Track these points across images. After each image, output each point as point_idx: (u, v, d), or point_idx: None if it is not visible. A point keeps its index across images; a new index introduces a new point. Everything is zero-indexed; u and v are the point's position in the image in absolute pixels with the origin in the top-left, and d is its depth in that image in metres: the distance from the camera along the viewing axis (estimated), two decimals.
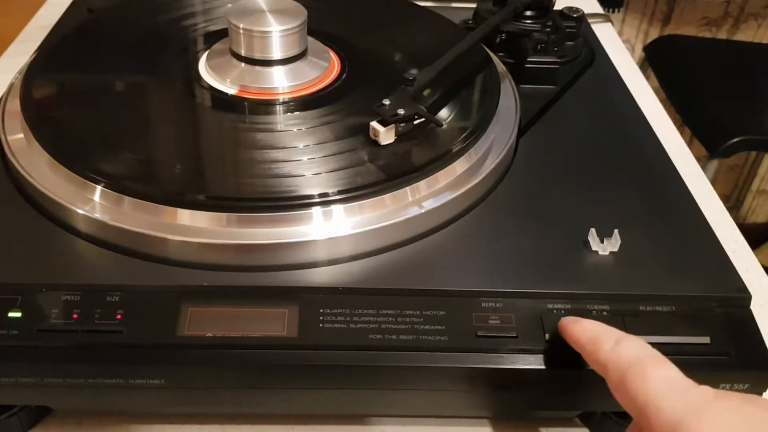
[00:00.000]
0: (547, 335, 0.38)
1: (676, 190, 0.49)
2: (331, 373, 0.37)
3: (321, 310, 0.38)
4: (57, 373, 0.37)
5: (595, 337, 0.35)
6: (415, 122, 0.48)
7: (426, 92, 0.51)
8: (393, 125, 0.46)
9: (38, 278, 0.39)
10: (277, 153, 0.46)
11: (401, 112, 0.46)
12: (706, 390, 0.31)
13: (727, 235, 0.55)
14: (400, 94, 0.48)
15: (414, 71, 0.49)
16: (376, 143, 0.46)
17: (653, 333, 0.38)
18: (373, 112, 0.46)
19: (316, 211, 0.42)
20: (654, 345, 0.34)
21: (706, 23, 1.55)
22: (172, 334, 0.37)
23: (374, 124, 0.46)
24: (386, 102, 0.47)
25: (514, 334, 0.38)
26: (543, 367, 0.38)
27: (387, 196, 0.43)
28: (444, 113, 0.51)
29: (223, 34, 0.55)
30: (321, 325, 0.38)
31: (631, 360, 0.32)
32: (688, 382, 0.31)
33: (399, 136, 0.47)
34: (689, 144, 0.66)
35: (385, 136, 0.46)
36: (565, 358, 0.37)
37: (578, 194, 0.47)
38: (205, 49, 0.56)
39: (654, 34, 1.56)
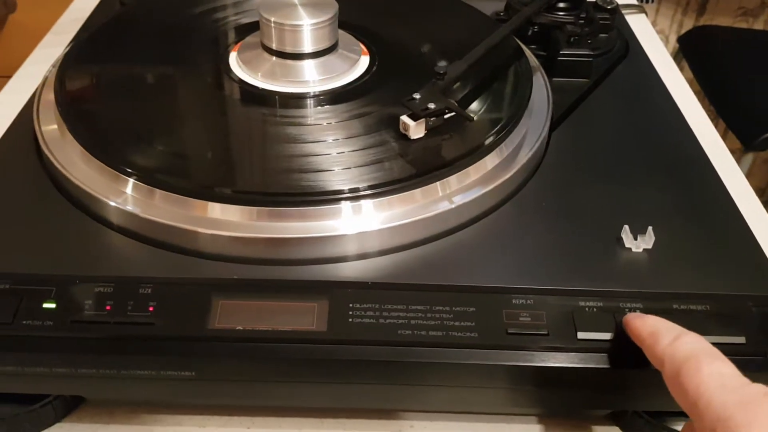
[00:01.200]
0: (578, 333, 0.38)
1: (712, 187, 0.48)
2: (360, 368, 0.37)
3: (350, 305, 0.38)
4: (90, 364, 0.37)
5: (655, 331, 0.35)
6: (446, 116, 0.47)
7: (456, 85, 0.50)
8: (423, 119, 0.46)
9: (72, 270, 0.39)
10: (307, 147, 0.46)
11: (431, 106, 0.46)
12: (758, 387, 0.30)
13: (763, 232, 0.54)
14: (431, 88, 0.47)
15: (444, 64, 0.48)
16: (405, 137, 0.46)
17: None
18: (403, 105, 0.46)
19: (346, 205, 0.42)
20: None
21: (742, 13, 1.52)
22: (203, 327, 0.37)
23: (404, 118, 0.46)
24: (416, 96, 0.46)
25: (546, 332, 0.37)
26: (574, 365, 0.37)
27: (417, 191, 0.43)
28: (475, 107, 0.51)
29: (254, 27, 0.55)
30: (350, 319, 0.38)
31: (687, 354, 0.32)
32: (742, 379, 0.31)
33: (429, 131, 0.47)
34: (723, 137, 0.65)
35: (416, 130, 0.46)
36: (597, 357, 0.37)
37: (611, 190, 0.47)
38: (236, 42, 0.56)
39: (688, 24, 1.53)
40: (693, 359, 0.32)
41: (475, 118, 0.48)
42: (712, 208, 0.46)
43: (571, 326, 0.38)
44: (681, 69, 0.75)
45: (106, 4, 0.69)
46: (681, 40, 1.43)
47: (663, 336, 0.34)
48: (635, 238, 0.42)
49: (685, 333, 0.34)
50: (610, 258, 0.42)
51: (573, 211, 0.45)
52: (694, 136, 0.53)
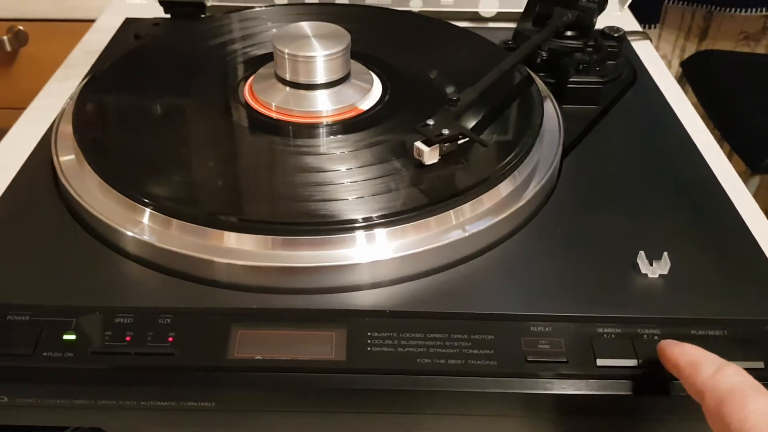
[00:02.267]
0: (598, 360, 0.38)
1: (725, 212, 0.48)
2: (380, 397, 0.37)
3: (369, 334, 0.38)
4: (110, 395, 0.37)
5: (694, 361, 0.34)
6: (460, 142, 0.48)
7: (469, 113, 0.51)
8: (437, 145, 0.46)
9: (91, 301, 0.40)
10: (320, 176, 0.46)
11: (445, 131, 0.46)
12: None
13: None
14: (444, 114, 0.48)
15: (454, 91, 0.49)
16: (419, 166, 0.47)
17: None
18: (416, 131, 0.47)
19: (360, 234, 0.42)
20: None
21: (743, 38, 1.53)
22: (223, 357, 0.37)
23: (418, 144, 0.47)
24: (430, 122, 0.47)
25: (565, 359, 0.37)
26: (595, 392, 0.37)
27: (431, 220, 0.43)
28: (487, 134, 0.51)
29: (267, 58, 0.56)
30: (369, 348, 0.38)
31: (730, 388, 0.31)
32: None
33: (442, 159, 0.47)
34: (728, 159, 0.65)
35: (430, 156, 0.47)
36: (617, 384, 0.37)
37: (625, 216, 0.47)
38: (250, 74, 0.56)
39: (691, 49, 1.54)
40: (736, 393, 0.31)
41: (488, 144, 0.49)
42: (725, 232, 0.46)
43: (590, 353, 0.38)
44: (685, 93, 0.75)
45: (121, 37, 0.70)
46: (684, 64, 1.44)
47: (704, 366, 0.33)
48: (651, 264, 0.42)
49: (727, 364, 0.33)
50: (627, 284, 0.42)
51: (587, 238, 0.45)
52: (704, 160, 0.53)
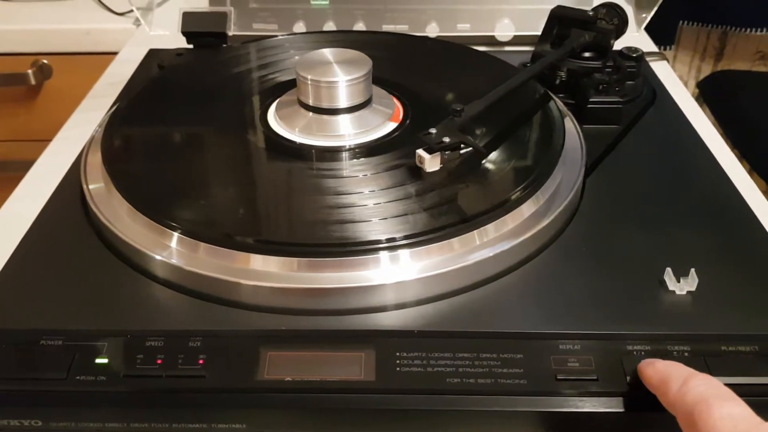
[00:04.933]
0: (628, 377, 0.37)
1: (751, 228, 0.48)
2: (410, 417, 0.37)
3: (397, 354, 0.39)
4: (143, 418, 0.37)
5: (664, 377, 0.35)
6: (462, 151, 0.48)
7: (490, 135, 0.51)
8: (438, 153, 0.47)
9: (122, 324, 0.40)
10: (344, 198, 0.47)
11: (446, 140, 0.47)
12: None
13: None
14: (448, 124, 0.49)
15: (456, 103, 0.50)
16: (441, 187, 0.47)
17: (736, 374, 0.38)
18: (419, 139, 0.48)
19: (384, 255, 0.42)
20: (737, 386, 0.33)
21: (760, 57, 1.53)
22: (253, 378, 0.38)
23: (420, 151, 0.47)
24: (432, 131, 0.48)
25: (595, 377, 0.37)
26: (625, 410, 0.37)
27: (454, 240, 0.44)
28: (509, 155, 0.51)
29: (289, 85, 0.57)
30: (398, 368, 0.38)
31: (697, 398, 0.32)
32: (755, 419, 0.31)
33: (465, 179, 0.47)
34: None
35: (431, 163, 0.47)
36: (648, 401, 0.37)
37: (650, 234, 0.47)
38: (273, 100, 0.57)
39: (706, 70, 1.54)
40: (703, 403, 0.31)
41: (486, 152, 0.49)
42: (752, 248, 0.46)
43: (620, 370, 0.38)
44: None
45: (145, 68, 0.72)
46: (701, 85, 1.44)
47: (673, 381, 0.34)
48: (678, 281, 0.42)
49: (694, 376, 0.34)
50: (655, 301, 0.42)
51: (613, 255, 0.45)
52: (728, 177, 0.53)
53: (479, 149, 0.48)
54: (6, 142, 1.04)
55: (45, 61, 0.96)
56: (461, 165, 0.50)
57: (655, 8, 0.83)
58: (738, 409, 0.31)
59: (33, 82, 0.96)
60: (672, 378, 0.34)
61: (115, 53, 0.84)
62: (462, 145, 0.48)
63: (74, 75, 0.96)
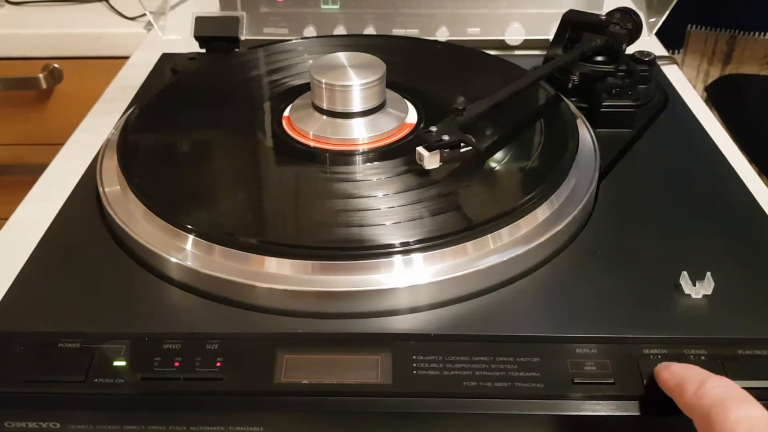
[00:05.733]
0: (645, 381, 0.37)
1: (766, 232, 0.48)
2: (427, 420, 0.37)
3: (414, 357, 0.39)
4: (161, 421, 0.37)
5: (680, 380, 0.35)
6: (462, 150, 0.49)
7: (504, 142, 0.51)
8: (438, 151, 0.47)
9: (139, 327, 0.40)
10: (358, 202, 0.47)
11: (446, 138, 0.48)
12: None
13: None
14: (448, 123, 0.49)
15: (462, 100, 0.51)
16: (455, 191, 0.47)
17: (754, 377, 0.38)
18: (419, 136, 0.48)
19: (398, 259, 0.42)
20: (754, 389, 0.33)
21: (767, 62, 1.52)
22: (270, 381, 0.38)
23: (419, 148, 0.48)
24: (433, 129, 0.48)
25: (612, 381, 0.37)
26: (642, 414, 0.37)
27: (468, 244, 0.44)
28: (523, 159, 0.51)
29: (302, 89, 0.57)
30: (415, 372, 0.38)
31: (714, 401, 0.32)
32: None
33: (479, 182, 0.47)
34: None
35: (430, 160, 0.48)
36: (665, 405, 0.37)
37: (664, 237, 0.47)
38: (287, 104, 0.58)
39: (715, 74, 1.54)
40: (720, 405, 0.31)
41: (482, 149, 0.49)
42: (767, 251, 0.46)
43: (637, 374, 0.38)
44: None
45: (158, 72, 0.72)
46: (709, 89, 1.44)
47: (689, 384, 0.34)
48: (694, 284, 0.42)
49: (710, 378, 0.33)
50: (670, 305, 0.42)
51: (628, 259, 0.45)
52: (742, 181, 0.53)
53: (477, 147, 0.49)
54: (17, 145, 1.05)
55: (56, 66, 0.97)
56: (475, 169, 0.50)
57: (667, 13, 0.83)
58: (756, 412, 0.31)
59: (44, 86, 0.96)
60: (688, 380, 0.34)
61: (126, 57, 0.85)
62: (462, 144, 0.49)
63: (85, 79, 0.96)
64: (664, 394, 0.37)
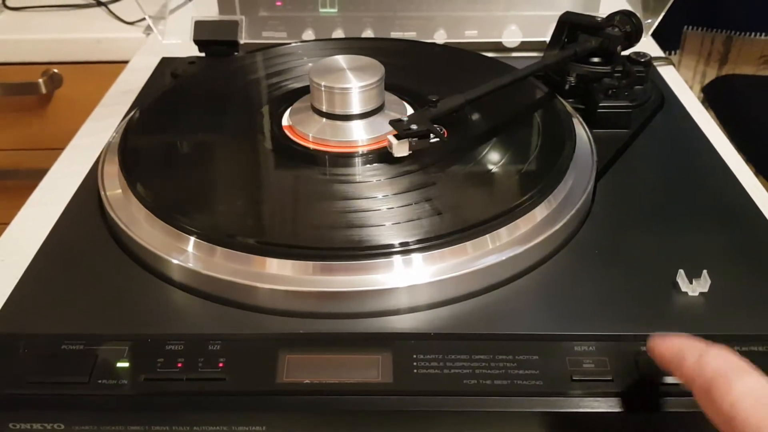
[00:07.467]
0: (643, 378, 0.38)
1: (762, 229, 0.48)
2: (428, 419, 0.38)
3: (414, 356, 0.39)
4: (164, 421, 0.38)
5: (678, 351, 0.34)
6: (431, 140, 0.50)
7: (502, 142, 0.52)
8: (406, 140, 0.49)
9: (142, 328, 0.40)
10: (357, 203, 0.47)
11: (414, 127, 0.49)
12: None
13: None
14: (420, 113, 0.51)
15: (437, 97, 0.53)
16: (453, 192, 0.48)
17: None
18: (390, 124, 0.50)
19: (397, 259, 0.43)
20: None
21: (764, 62, 1.53)
22: (272, 381, 0.38)
23: (389, 136, 0.50)
24: (404, 119, 0.50)
25: (610, 378, 0.38)
26: (641, 410, 0.37)
27: (467, 244, 0.44)
28: (521, 159, 0.52)
29: (302, 92, 0.58)
30: (415, 370, 0.38)
31: (716, 371, 0.31)
32: None
33: (477, 182, 0.48)
34: None
35: (398, 148, 0.49)
36: (664, 401, 0.37)
37: (661, 236, 0.47)
38: (287, 107, 0.58)
39: (711, 74, 1.55)
40: (722, 376, 0.31)
41: (445, 138, 0.51)
42: (763, 249, 0.46)
43: (636, 371, 0.38)
44: None
45: (157, 76, 0.73)
46: (706, 89, 1.45)
47: (688, 354, 0.33)
48: (690, 282, 0.42)
49: (711, 347, 0.33)
50: (668, 302, 0.42)
51: (625, 258, 0.45)
52: (737, 180, 0.54)
53: (440, 135, 0.50)
54: (17, 150, 1.05)
55: (56, 70, 0.97)
56: (474, 169, 0.50)
57: (663, 14, 0.84)
58: (759, 382, 0.30)
59: (44, 91, 0.97)
60: (687, 350, 0.33)
61: (126, 62, 0.85)
62: (431, 135, 0.50)
63: (85, 84, 0.97)
64: (662, 392, 0.37)
